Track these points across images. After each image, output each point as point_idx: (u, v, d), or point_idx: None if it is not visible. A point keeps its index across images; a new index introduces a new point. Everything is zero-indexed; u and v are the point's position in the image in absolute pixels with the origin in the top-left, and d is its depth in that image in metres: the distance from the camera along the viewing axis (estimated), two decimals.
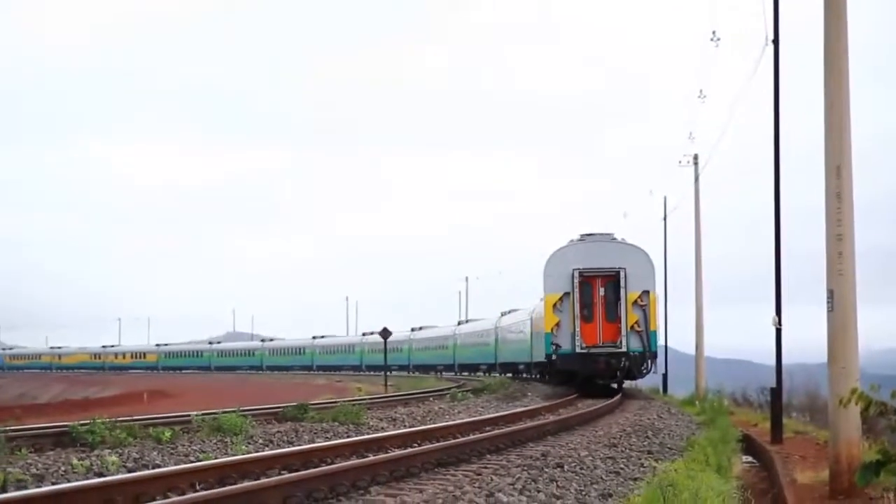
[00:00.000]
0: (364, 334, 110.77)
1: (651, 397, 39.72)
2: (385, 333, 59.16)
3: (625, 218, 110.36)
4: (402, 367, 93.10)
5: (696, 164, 48.43)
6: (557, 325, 34.35)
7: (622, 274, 34.20)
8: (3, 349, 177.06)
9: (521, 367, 52.65)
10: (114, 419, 18.91)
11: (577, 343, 33.97)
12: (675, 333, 58.51)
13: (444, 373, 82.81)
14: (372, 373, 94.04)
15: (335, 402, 27.82)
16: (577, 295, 33.77)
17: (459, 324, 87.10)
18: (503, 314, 64.95)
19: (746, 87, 31.48)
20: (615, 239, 36.49)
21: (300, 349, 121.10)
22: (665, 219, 55.64)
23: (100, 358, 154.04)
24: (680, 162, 49.06)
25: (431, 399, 36.47)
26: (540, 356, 38.01)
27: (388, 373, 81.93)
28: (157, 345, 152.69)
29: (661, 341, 46.73)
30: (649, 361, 35.26)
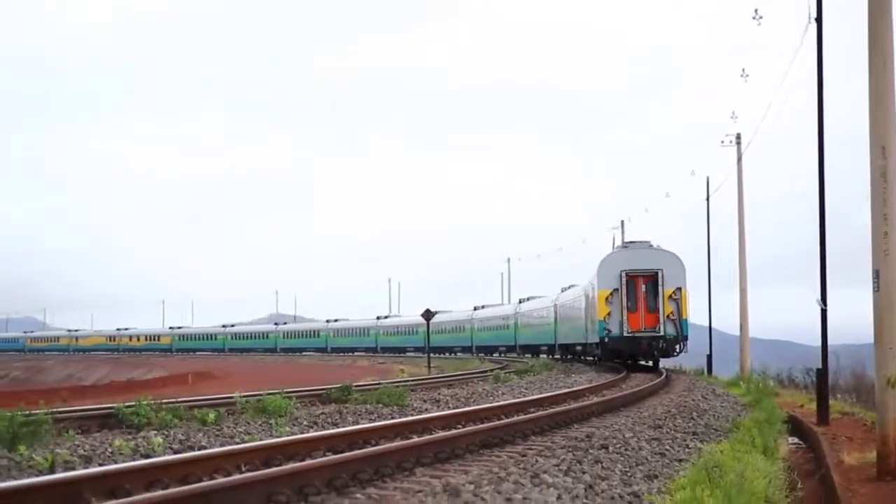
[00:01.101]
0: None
1: (696, 378, 39.53)
2: (427, 315, 59.24)
3: (667, 198, 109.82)
4: (465, 349, 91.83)
5: (738, 143, 48.09)
6: (609, 314, 41.38)
7: (660, 274, 41.74)
8: (25, 332, 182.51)
9: (578, 347, 54.38)
10: (159, 401, 19.02)
11: (625, 328, 41.23)
12: (720, 315, 58.33)
13: (506, 355, 79.92)
14: (440, 354, 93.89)
15: (378, 385, 27.86)
16: (624, 290, 41.31)
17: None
18: (563, 290, 64.06)
19: (789, 67, 31.08)
20: (652, 246, 43.86)
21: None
22: (708, 199, 55.38)
23: (114, 340, 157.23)
24: (722, 142, 48.74)
25: (475, 381, 36.47)
26: (594, 338, 44.64)
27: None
28: (171, 328, 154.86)
29: (704, 322, 50.95)
30: (682, 343, 42.07)
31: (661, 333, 41.37)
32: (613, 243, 67.64)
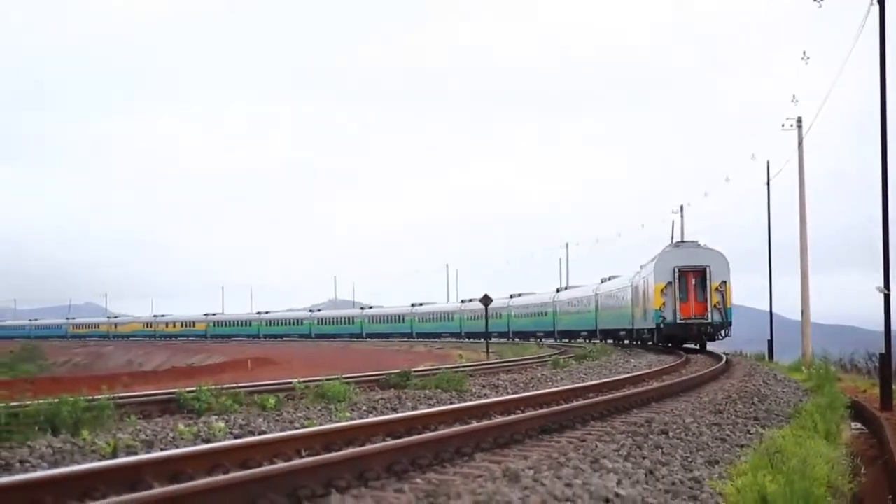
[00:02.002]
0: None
1: (756, 364, 39.23)
2: (486, 300, 59.22)
3: (727, 182, 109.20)
4: (501, 335, 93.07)
5: (799, 127, 47.61)
6: (664, 304, 47.03)
7: (707, 270, 47.29)
8: (67, 318, 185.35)
9: (622, 332, 59.64)
10: (219, 386, 19.15)
11: (677, 316, 46.80)
12: (781, 300, 57.94)
13: (543, 339, 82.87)
14: (470, 340, 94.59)
15: (437, 370, 27.87)
16: (677, 283, 47.14)
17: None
18: (602, 281, 67.60)
19: (851, 48, 30.64)
20: (700, 245, 49.79)
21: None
22: (768, 183, 54.87)
23: (151, 326, 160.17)
24: (783, 125, 48.27)
25: (533, 366, 36.41)
26: (642, 324, 51.96)
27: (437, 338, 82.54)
28: (206, 314, 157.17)
29: (765, 307, 56.24)
30: (726, 328, 47.42)
31: (709, 320, 46.89)
32: (672, 228, 74.05)
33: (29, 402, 14.13)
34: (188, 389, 18.51)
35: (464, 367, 33.15)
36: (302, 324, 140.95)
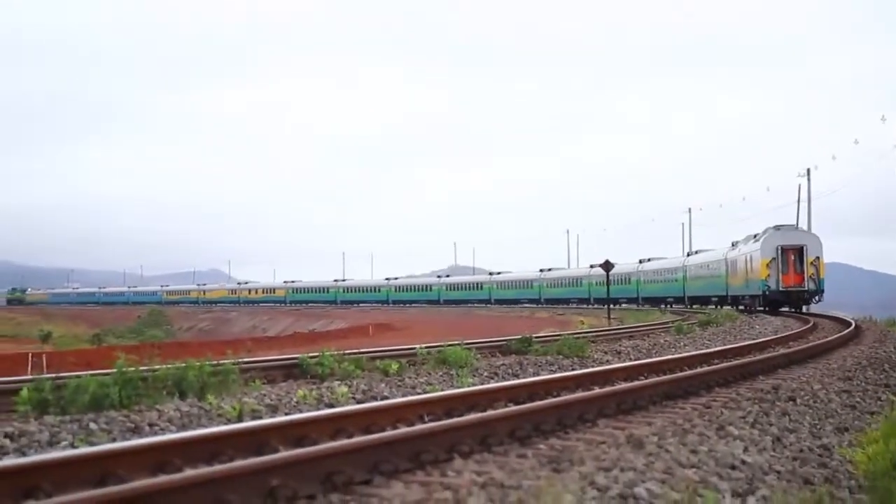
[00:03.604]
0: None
1: (888, 330, 38.34)
2: (607, 266, 59.03)
3: (856, 144, 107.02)
4: (630, 300, 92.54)
5: None
6: (769, 275, 56.01)
7: (804, 248, 56.52)
8: (162, 286, 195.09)
9: (746, 299, 62.99)
10: (342, 352, 19.31)
11: (780, 285, 55.96)
12: None
13: (673, 305, 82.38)
14: (600, 305, 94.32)
15: (558, 336, 27.77)
16: (779, 259, 55.96)
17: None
18: (733, 245, 67.63)
19: None
20: (797, 228, 61.96)
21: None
22: None
23: (235, 293, 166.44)
24: None
25: (656, 332, 36.10)
26: (753, 291, 59.47)
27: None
28: (286, 282, 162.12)
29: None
30: (819, 295, 57.42)
31: (805, 288, 56.52)
32: (799, 192, 79.74)
33: (157, 367, 14.38)
34: (311, 355, 18.70)
35: (585, 333, 33.00)
36: (379, 291, 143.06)
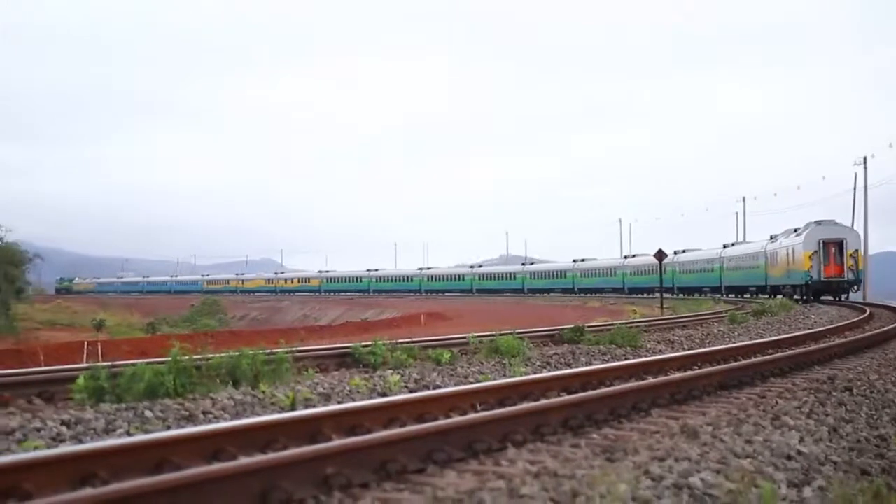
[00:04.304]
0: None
1: None
2: (660, 255, 58.98)
3: None
4: (714, 289, 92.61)
5: None
6: (811, 266, 60.69)
7: (844, 241, 61.58)
8: (202, 275, 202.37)
9: (787, 288, 66.83)
10: (394, 341, 19.34)
11: (822, 275, 60.64)
12: None
13: (709, 294, 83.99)
14: (636, 295, 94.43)
15: (611, 325, 27.67)
16: (821, 252, 60.78)
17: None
18: (771, 238, 73.11)
19: None
20: (836, 223, 64.45)
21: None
22: None
23: (272, 283, 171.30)
24: None
25: (709, 322, 35.89)
26: (797, 281, 63.58)
27: (647, 295, 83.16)
28: (320, 271, 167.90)
29: None
30: (857, 285, 63.11)
31: (845, 279, 61.16)
32: (855, 180, 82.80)
33: (210, 356, 14.47)
34: (363, 344, 18.75)
35: (638, 322, 32.86)
36: (412, 280, 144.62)
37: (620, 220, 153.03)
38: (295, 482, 7.22)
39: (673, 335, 27.54)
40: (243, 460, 7.63)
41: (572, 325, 25.53)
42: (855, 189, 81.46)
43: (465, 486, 7.54)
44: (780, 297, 63.42)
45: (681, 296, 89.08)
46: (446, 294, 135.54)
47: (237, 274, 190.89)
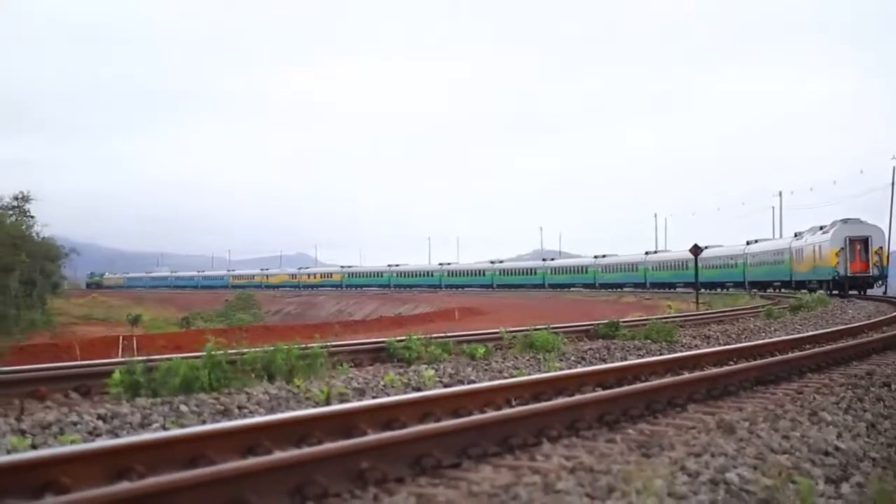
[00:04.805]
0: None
1: None
2: (696, 250, 58.70)
3: None
4: (688, 284, 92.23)
5: None
6: (838, 262, 62.99)
7: (869, 239, 63.78)
8: (228, 270, 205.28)
9: (813, 283, 68.39)
10: (428, 335, 19.32)
11: (848, 271, 62.81)
12: None
13: (732, 289, 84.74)
14: (664, 290, 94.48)
15: (646, 320, 27.56)
16: (847, 248, 63.05)
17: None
18: (796, 235, 75.80)
19: None
20: (861, 221, 66.03)
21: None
22: None
23: (296, 278, 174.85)
24: None
25: (745, 317, 35.69)
26: (823, 276, 65.94)
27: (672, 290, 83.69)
28: (342, 267, 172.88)
29: None
30: (882, 280, 64.31)
31: (870, 274, 63.50)
32: (894, 174, 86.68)
33: (245, 350, 14.51)
34: (398, 338, 18.74)
35: (673, 317, 32.73)
36: (432, 275, 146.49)
37: (655, 216, 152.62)
38: (330, 476, 7.22)
39: (709, 330, 27.39)
40: (278, 455, 7.65)
41: (607, 320, 25.42)
42: (893, 183, 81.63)
43: (500, 480, 7.52)
44: (819, 292, 64.16)
45: (703, 291, 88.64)
46: (466, 289, 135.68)
47: (262, 269, 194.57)
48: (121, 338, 41.81)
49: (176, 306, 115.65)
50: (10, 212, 76.03)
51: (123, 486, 6.60)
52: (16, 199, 76.69)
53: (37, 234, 77.23)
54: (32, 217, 77.95)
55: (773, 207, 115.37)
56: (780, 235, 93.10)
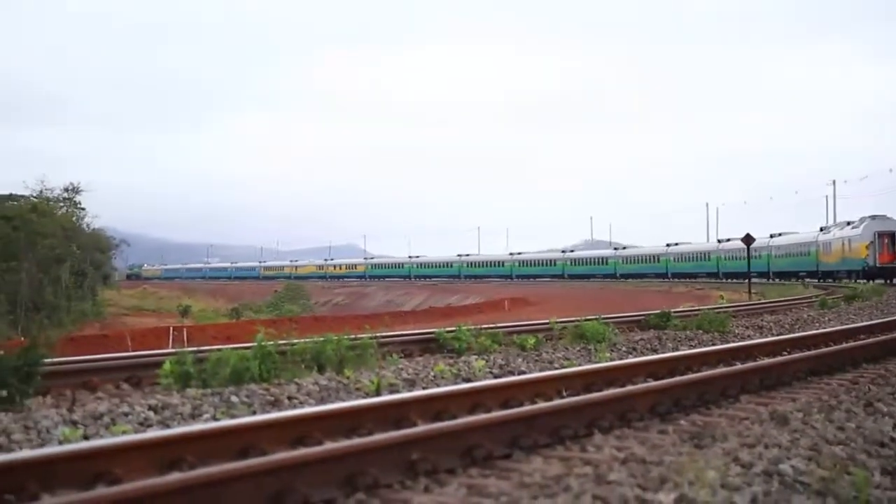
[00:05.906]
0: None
1: None
2: (748, 239, 58.25)
3: None
4: (761, 274, 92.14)
5: None
6: (867, 255, 69.96)
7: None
8: (259, 262, 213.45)
9: (842, 273, 76.77)
10: (478, 326, 19.28)
11: (876, 262, 69.70)
12: None
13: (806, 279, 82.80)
14: (728, 280, 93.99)
15: (698, 310, 27.37)
16: (876, 242, 69.89)
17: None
18: (822, 230, 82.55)
19: None
20: (888, 217, 73.13)
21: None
22: None
23: (322, 269, 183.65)
24: None
25: (799, 307, 35.40)
26: (853, 267, 73.58)
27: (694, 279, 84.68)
28: (366, 258, 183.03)
29: None
30: None
31: None
32: None
33: (295, 341, 14.52)
34: (448, 329, 18.71)
35: (725, 307, 32.49)
36: (451, 266, 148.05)
37: (707, 205, 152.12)
38: (380, 467, 7.20)
39: (761, 320, 27.18)
40: (329, 445, 7.64)
41: (658, 311, 25.26)
42: None
43: (551, 471, 7.47)
44: (878, 280, 68.94)
45: (726, 280, 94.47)
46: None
47: (291, 261, 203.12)
48: (171, 329, 42.09)
49: (225, 297, 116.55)
50: (61, 203, 76.77)
51: (175, 476, 6.61)
52: (66, 190, 77.43)
53: (87, 225, 78.00)
54: (83, 209, 78.78)
55: (827, 196, 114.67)
56: (835, 223, 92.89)
